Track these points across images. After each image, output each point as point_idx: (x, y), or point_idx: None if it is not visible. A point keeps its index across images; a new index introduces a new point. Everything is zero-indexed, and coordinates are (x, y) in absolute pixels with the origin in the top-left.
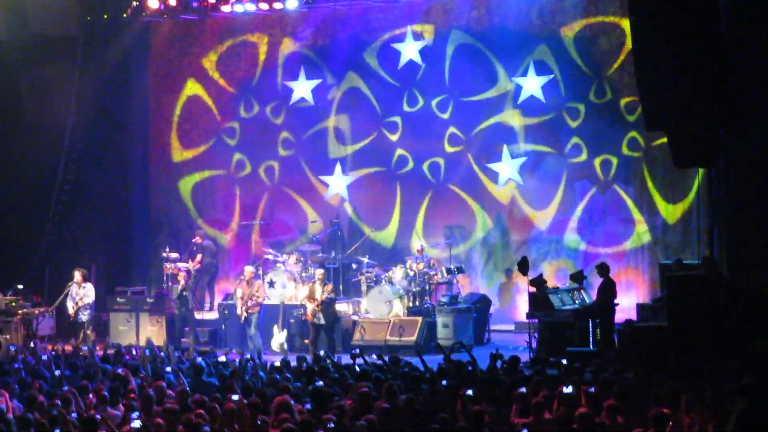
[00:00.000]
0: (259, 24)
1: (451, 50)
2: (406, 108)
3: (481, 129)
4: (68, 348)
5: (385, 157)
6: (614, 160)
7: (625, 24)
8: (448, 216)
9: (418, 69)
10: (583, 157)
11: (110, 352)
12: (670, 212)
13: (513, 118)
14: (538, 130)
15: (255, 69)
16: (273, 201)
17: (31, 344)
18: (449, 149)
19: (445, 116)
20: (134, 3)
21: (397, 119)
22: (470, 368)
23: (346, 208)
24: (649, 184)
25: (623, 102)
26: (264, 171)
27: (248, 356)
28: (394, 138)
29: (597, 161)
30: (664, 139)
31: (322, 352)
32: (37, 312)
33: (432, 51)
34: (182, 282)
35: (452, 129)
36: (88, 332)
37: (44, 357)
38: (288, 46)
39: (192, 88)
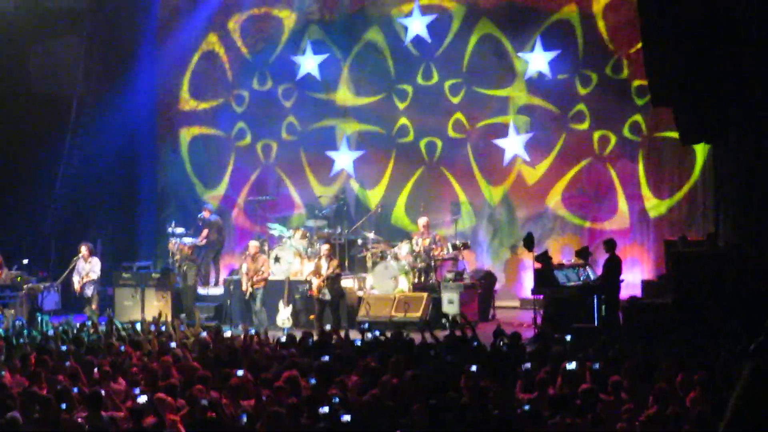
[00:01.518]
0: None
1: (457, 26)
2: (420, 81)
3: (486, 114)
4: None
5: (387, 122)
6: (613, 138)
7: None
8: (428, 195)
9: (430, 44)
10: (585, 125)
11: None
12: (663, 205)
13: (520, 94)
14: (545, 101)
15: (268, 43)
16: (269, 177)
17: (38, 318)
18: (453, 134)
19: (456, 100)
20: None
21: (409, 88)
22: (476, 343)
23: (352, 183)
24: (642, 168)
25: (635, 84)
26: (261, 148)
27: (253, 331)
28: (401, 106)
29: (596, 135)
30: (667, 134)
31: (327, 327)
32: (42, 287)
33: (439, 26)
34: (178, 256)
35: (458, 115)
36: (93, 307)
37: (50, 332)
38: (295, 21)
39: (211, 43)
